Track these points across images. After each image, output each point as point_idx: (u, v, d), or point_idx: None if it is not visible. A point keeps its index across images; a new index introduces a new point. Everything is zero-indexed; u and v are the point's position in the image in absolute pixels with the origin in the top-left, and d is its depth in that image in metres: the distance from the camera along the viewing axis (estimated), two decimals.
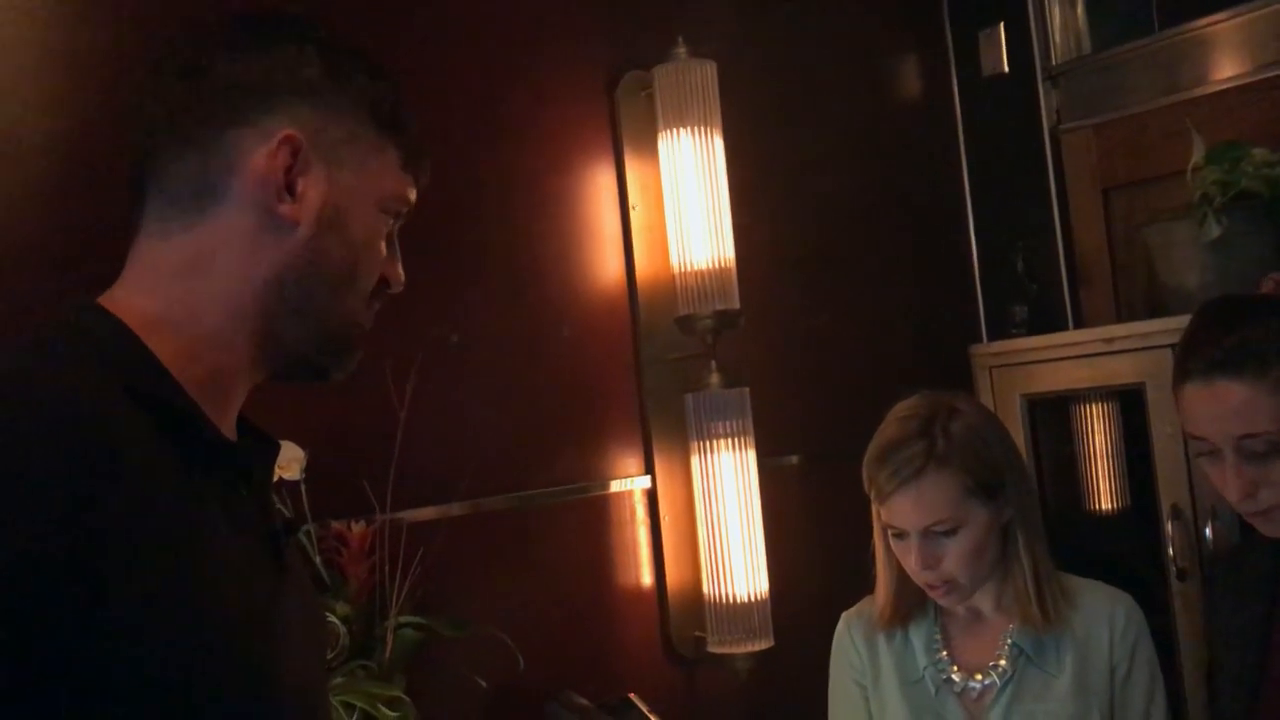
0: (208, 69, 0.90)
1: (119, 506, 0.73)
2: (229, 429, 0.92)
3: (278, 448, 1.00)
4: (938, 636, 1.62)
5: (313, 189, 0.91)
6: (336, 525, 1.68)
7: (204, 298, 0.89)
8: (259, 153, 0.89)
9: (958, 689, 1.58)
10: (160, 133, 0.90)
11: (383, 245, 0.98)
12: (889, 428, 1.58)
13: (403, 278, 1.01)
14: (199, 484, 0.83)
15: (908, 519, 1.53)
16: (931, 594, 1.58)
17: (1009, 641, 1.57)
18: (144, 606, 0.73)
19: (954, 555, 1.52)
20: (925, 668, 1.61)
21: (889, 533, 1.58)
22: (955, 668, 1.59)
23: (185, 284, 0.89)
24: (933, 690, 1.59)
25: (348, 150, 0.93)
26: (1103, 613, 1.57)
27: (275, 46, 0.92)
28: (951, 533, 1.52)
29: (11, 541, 0.69)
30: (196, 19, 0.95)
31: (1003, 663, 1.57)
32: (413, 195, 1.00)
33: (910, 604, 1.63)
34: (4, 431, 0.71)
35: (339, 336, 0.96)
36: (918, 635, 1.63)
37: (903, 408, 1.60)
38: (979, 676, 1.58)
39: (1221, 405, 1.37)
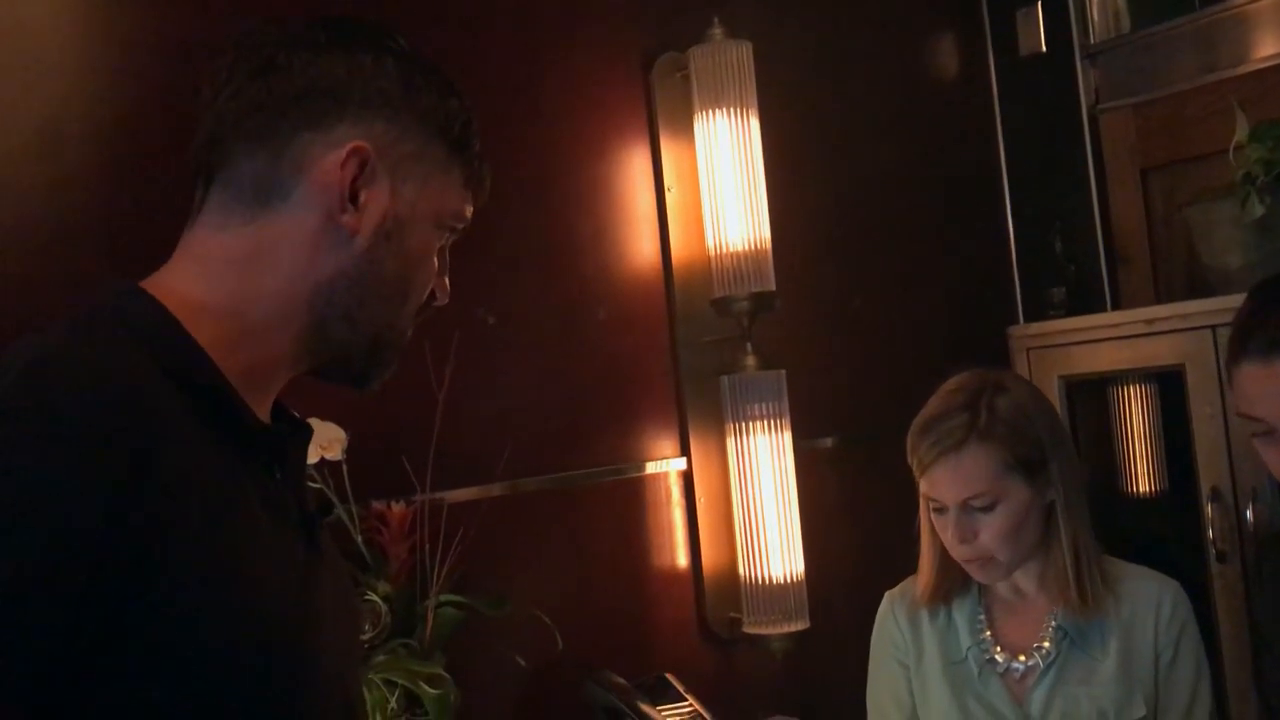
0: (286, 69, 0.91)
1: (158, 486, 0.74)
2: (264, 415, 0.94)
3: (310, 432, 1.01)
4: (981, 616, 1.62)
5: (375, 201, 0.92)
6: (377, 505, 1.70)
7: (255, 291, 0.90)
8: (328, 160, 0.90)
9: (1001, 669, 1.58)
10: (231, 127, 0.91)
11: (434, 259, 0.99)
12: (936, 401, 1.59)
13: (449, 290, 1.02)
14: (234, 467, 0.84)
15: (946, 491, 1.54)
16: (969, 569, 1.57)
17: (1053, 623, 1.57)
18: (183, 582, 0.75)
19: (991, 530, 1.52)
20: (969, 648, 1.60)
21: (930, 507, 1.58)
22: (999, 648, 1.59)
23: (237, 276, 0.90)
24: (976, 670, 1.59)
25: (414, 165, 0.95)
26: (1149, 599, 1.56)
27: (355, 54, 0.93)
28: (990, 508, 1.52)
29: (53, 523, 0.70)
30: (275, 17, 0.96)
31: (1046, 644, 1.56)
32: (469, 213, 1.01)
33: (952, 582, 1.63)
34: (44, 411, 0.73)
35: (383, 346, 0.97)
36: (961, 615, 1.63)
37: (952, 382, 1.61)
38: (1022, 657, 1.57)
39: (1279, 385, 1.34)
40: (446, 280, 1.02)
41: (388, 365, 0.99)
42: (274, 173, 0.91)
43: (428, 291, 1.00)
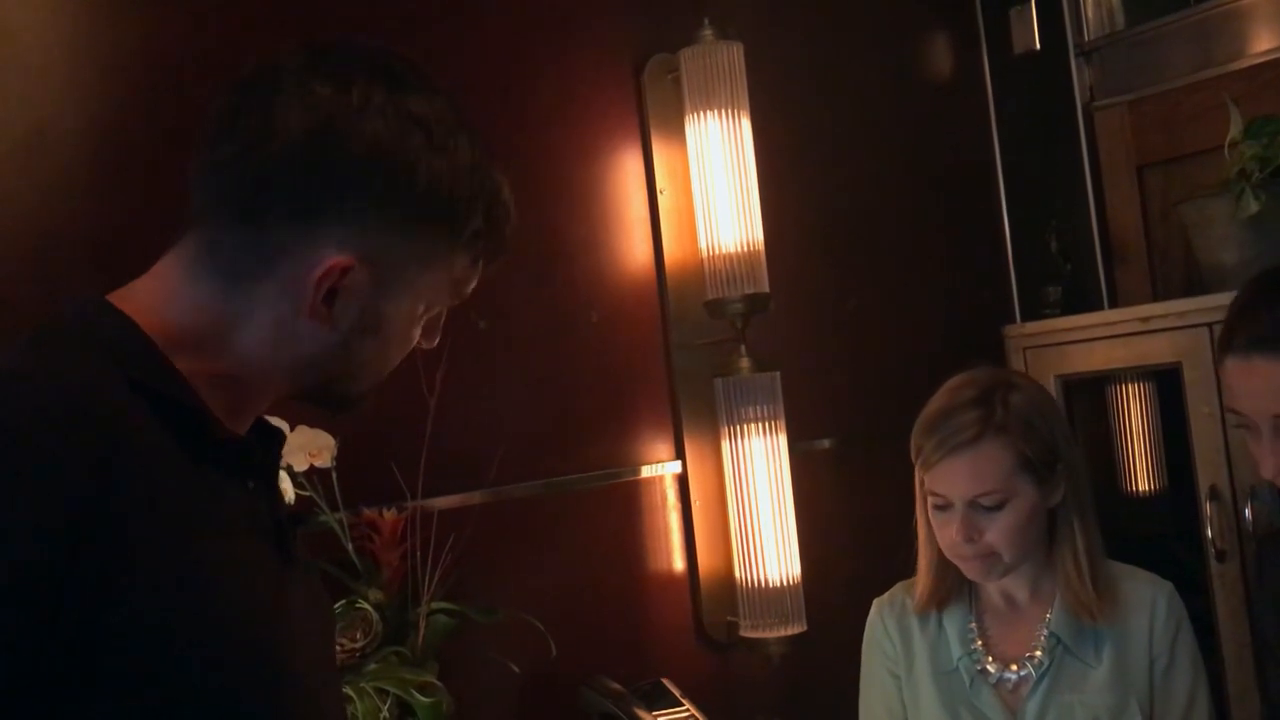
0: (289, 143, 0.85)
1: (122, 503, 0.73)
2: (238, 426, 0.92)
3: (283, 439, 1.00)
4: (972, 625, 1.59)
5: (354, 301, 0.89)
6: (368, 512, 1.69)
7: (223, 344, 0.88)
8: (306, 262, 0.86)
9: (993, 680, 1.55)
10: (222, 192, 0.87)
11: (420, 327, 0.97)
12: (944, 395, 1.54)
13: (436, 342, 1.01)
14: (204, 478, 0.83)
15: (956, 487, 1.49)
16: (966, 567, 1.53)
17: (1046, 632, 1.54)
18: (151, 601, 0.73)
19: (997, 530, 1.48)
20: (960, 658, 1.57)
21: (931, 505, 1.54)
22: (990, 658, 1.56)
23: (208, 323, 0.88)
24: (967, 681, 1.56)
25: (408, 266, 0.90)
26: (1143, 602, 1.53)
27: (376, 125, 0.86)
28: (998, 507, 1.48)
29: (17, 543, 0.69)
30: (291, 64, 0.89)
31: (1039, 654, 1.53)
32: (472, 285, 0.98)
33: (949, 587, 1.60)
34: (7, 429, 0.71)
35: (357, 398, 0.97)
36: (952, 624, 1.60)
37: (959, 378, 1.56)
38: (1014, 667, 1.54)
39: (1258, 382, 1.32)
40: (437, 335, 1.00)
41: (360, 405, 0.98)
42: (251, 256, 0.86)
43: (404, 356, 0.98)
